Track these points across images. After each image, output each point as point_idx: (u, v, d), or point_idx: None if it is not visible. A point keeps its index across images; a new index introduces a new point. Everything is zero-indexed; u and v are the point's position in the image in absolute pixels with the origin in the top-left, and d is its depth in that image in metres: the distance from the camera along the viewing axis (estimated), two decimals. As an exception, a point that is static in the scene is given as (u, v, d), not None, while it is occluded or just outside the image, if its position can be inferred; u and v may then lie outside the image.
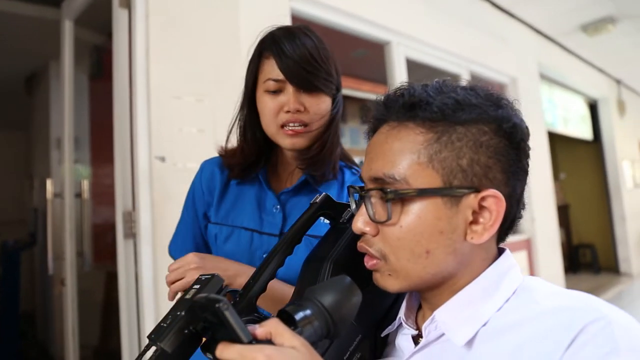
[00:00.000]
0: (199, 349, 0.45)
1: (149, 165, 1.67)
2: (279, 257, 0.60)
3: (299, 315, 0.45)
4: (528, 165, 0.56)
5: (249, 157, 0.92)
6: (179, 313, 0.46)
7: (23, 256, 3.50)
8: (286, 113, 0.85)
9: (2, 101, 4.44)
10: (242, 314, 0.54)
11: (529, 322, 0.48)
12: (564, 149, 6.76)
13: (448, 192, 0.51)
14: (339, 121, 0.93)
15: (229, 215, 0.93)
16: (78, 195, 2.42)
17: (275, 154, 0.96)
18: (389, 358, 0.62)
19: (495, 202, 0.51)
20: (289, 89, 0.84)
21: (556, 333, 0.45)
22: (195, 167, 1.01)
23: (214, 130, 1.79)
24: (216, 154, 0.99)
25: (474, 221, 0.52)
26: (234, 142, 0.96)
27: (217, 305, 0.39)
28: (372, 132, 0.59)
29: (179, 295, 0.80)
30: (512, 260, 0.56)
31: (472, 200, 0.51)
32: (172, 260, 0.87)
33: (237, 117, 0.95)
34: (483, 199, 0.51)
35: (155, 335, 0.45)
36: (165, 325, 0.45)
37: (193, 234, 0.97)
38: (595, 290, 5.02)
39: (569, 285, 3.42)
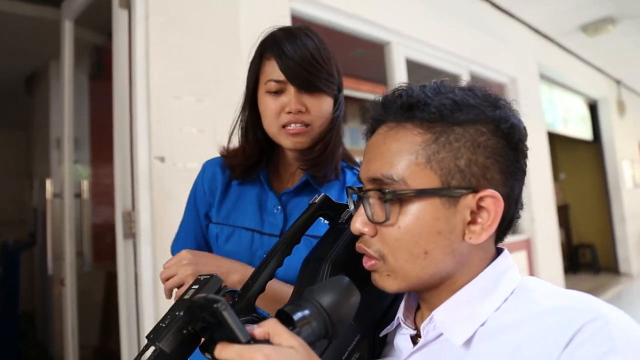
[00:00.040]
0: (197, 349, 0.45)
1: (149, 165, 1.67)
2: (277, 258, 0.60)
3: (297, 316, 0.45)
4: (526, 165, 0.56)
5: (251, 158, 0.92)
6: (177, 313, 0.46)
7: (23, 256, 3.50)
8: (288, 114, 0.85)
9: (2, 101, 4.44)
10: (241, 314, 0.54)
11: (528, 322, 0.48)
12: (563, 149, 6.75)
13: (446, 193, 0.51)
14: (341, 122, 0.93)
15: (230, 215, 0.93)
16: (78, 195, 2.43)
17: (276, 155, 0.96)
18: (387, 358, 0.62)
19: (493, 202, 0.51)
20: (290, 89, 0.84)
21: (555, 333, 0.45)
22: (195, 167, 1.01)
23: (214, 131, 1.80)
24: (216, 154, 0.99)
25: (472, 221, 0.52)
26: (235, 142, 0.96)
27: (215, 306, 0.39)
28: (371, 132, 0.59)
29: (175, 292, 0.80)
30: (510, 260, 0.57)
31: (470, 200, 0.51)
32: (171, 260, 0.87)
33: (238, 118, 0.95)
34: (481, 199, 0.51)
35: (154, 335, 0.45)
36: (164, 325, 0.45)
37: (194, 234, 0.97)
38: (595, 291, 5.02)
39: (569, 286, 3.41)
